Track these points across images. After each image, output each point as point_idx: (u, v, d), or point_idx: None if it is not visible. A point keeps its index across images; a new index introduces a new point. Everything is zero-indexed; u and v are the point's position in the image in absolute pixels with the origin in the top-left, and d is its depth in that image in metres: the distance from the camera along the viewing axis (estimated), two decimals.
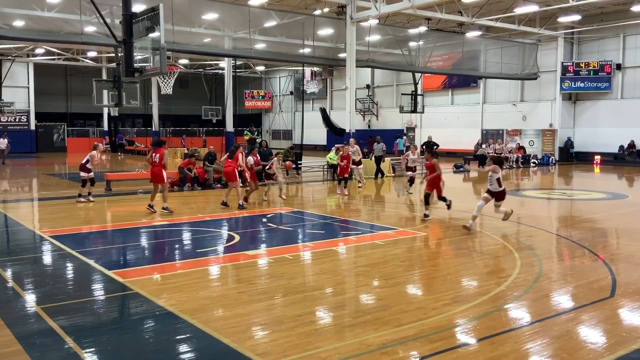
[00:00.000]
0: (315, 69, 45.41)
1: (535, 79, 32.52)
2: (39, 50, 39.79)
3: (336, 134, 31.06)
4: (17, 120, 42.45)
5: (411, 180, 18.17)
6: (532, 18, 29.06)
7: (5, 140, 32.43)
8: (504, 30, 30.21)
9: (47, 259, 9.36)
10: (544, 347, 5.45)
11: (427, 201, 12.97)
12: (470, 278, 8.04)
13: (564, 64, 31.89)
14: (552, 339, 5.64)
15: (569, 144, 32.61)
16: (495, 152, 28.96)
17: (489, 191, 11.09)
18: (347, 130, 24.92)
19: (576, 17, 28.36)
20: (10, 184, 22.40)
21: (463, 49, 30.04)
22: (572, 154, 32.58)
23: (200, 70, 46.30)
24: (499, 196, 11.11)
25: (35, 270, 8.47)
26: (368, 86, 43.64)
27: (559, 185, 23.06)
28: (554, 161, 31.60)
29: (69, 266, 8.68)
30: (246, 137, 30.19)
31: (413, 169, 18.26)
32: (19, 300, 6.93)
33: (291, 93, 50.79)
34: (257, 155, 16.12)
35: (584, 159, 31.81)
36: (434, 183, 12.80)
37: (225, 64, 36.74)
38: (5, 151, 32.03)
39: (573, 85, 31.82)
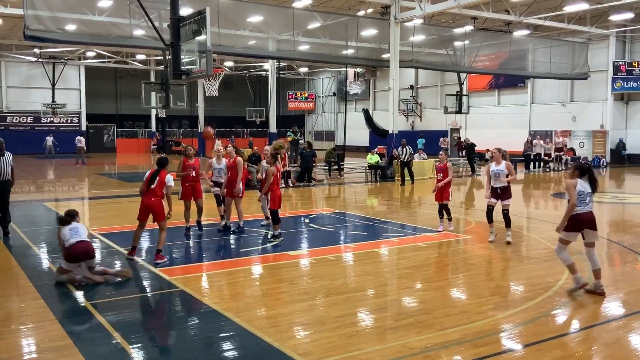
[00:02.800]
0: (358, 69, 45.25)
1: (586, 78, 31.55)
2: (89, 54, 41.12)
3: (379, 135, 30.92)
4: (69, 121, 43.91)
5: (491, 215, 10.45)
6: (582, 16, 28.23)
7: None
8: (553, 29, 29.45)
9: (97, 256, 9.60)
10: (593, 355, 5.29)
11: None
12: (516, 283, 7.87)
13: (616, 63, 30.86)
14: (602, 347, 5.47)
15: (620, 145, 31.53)
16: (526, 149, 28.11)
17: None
18: (390, 132, 24.75)
19: (629, 15, 27.40)
20: (62, 183, 23.19)
21: (510, 49, 29.42)
22: (624, 156, 31.47)
23: (245, 72, 46.84)
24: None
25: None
26: (412, 87, 43.26)
27: (610, 188, 22.31)
28: (605, 163, 30.63)
29: (117, 263, 8.90)
30: (289, 138, 30.37)
31: (499, 192, 10.26)
32: (69, 296, 7.16)
33: (334, 94, 50.81)
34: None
35: (637, 162, 30.67)
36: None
37: (269, 65, 37.05)
38: (82, 151, 32.82)
39: (625, 85, 30.76)
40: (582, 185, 6.97)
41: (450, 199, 11.40)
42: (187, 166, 10.77)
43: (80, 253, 7.47)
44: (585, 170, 7.10)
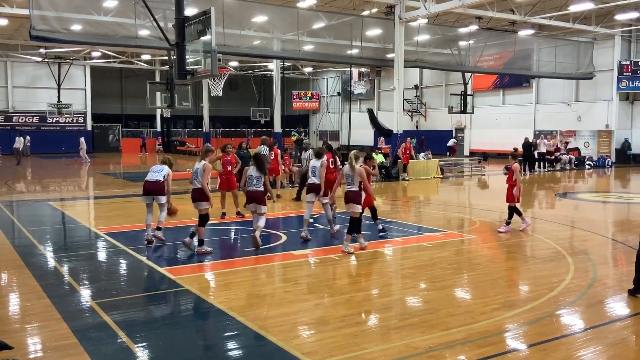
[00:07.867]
0: (363, 69, 45.29)
1: (591, 78, 31.46)
2: (95, 54, 41.23)
3: (383, 135, 30.89)
4: (74, 121, 44.05)
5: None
6: (587, 16, 28.14)
7: (22, 138, 32.46)
8: (558, 28, 29.38)
9: (102, 255, 9.67)
10: (598, 355, 5.28)
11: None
12: (521, 282, 7.86)
13: (621, 63, 30.76)
14: (607, 347, 5.46)
15: (626, 145, 31.43)
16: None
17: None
18: (395, 131, 24.73)
19: (634, 15, 27.31)
20: (68, 182, 23.27)
21: (515, 48, 29.32)
22: (630, 156, 31.37)
23: (250, 72, 46.90)
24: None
25: (91, 266, 8.77)
26: (416, 86, 43.20)
27: (615, 188, 22.25)
28: (610, 163, 30.53)
29: (123, 263, 8.95)
30: (293, 138, 30.42)
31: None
32: (75, 295, 7.19)
33: (338, 94, 50.80)
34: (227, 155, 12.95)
35: None
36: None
37: (273, 65, 37.09)
38: (24, 151, 31.70)
39: (630, 85, 30.66)
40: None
41: (513, 202, 11.26)
42: (224, 161, 12.79)
43: (145, 189, 9.95)
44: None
